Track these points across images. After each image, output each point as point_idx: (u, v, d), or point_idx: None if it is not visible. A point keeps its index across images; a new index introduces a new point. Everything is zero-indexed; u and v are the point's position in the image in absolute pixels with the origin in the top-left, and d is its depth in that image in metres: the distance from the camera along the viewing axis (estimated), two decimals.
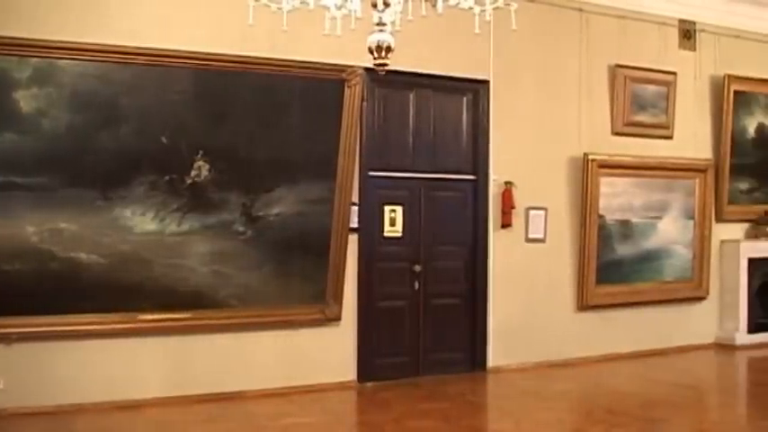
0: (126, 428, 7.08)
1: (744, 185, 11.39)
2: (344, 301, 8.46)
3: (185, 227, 7.64)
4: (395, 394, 8.29)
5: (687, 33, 10.82)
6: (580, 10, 9.88)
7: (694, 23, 10.86)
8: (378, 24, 4.68)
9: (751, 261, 11.20)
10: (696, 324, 10.97)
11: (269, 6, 4.89)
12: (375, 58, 4.71)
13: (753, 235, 11.41)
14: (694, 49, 10.87)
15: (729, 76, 10.95)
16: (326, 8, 4.94)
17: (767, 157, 11.55)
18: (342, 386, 8.45)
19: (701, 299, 10.99)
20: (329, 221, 8.30)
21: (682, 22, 10.78)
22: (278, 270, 8.11)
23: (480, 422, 7.74)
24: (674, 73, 10.55)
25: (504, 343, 9.38)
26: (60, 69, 7.01)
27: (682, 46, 10.80)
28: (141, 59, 7.27)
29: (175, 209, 7.59)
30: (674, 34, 10.72)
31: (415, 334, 8.99)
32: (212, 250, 7.79)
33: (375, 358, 8.69)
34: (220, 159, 7.71)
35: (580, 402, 8.47)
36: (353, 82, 8.22)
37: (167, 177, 7.52)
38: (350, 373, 8.56)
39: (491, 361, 9.35)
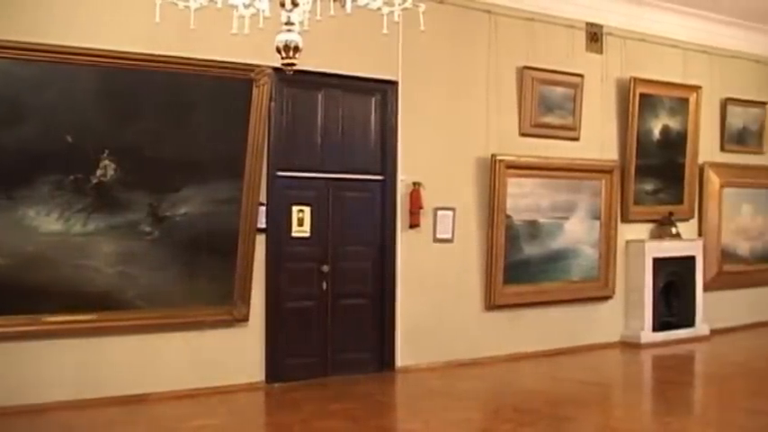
0: None
1: (649, 186, 12.11)
2: (252, 302, 8.72)
3: (91, 227, 7.79)
4: (303, 395, 8.58)
5: (594, 36, 11.47)
6: (489, 12, 10.38)
7: (601, 27, 11.53)
8: (286, 24, 4.82)
9: (656, 261, 11.90)
10: (602, 323, 11.64)
11: (176, 4, 5.06)
12: (283, 58, 4.86)
13: (657, 235, 12.16)
14: (601, 52, 11.55)
15: (635, 78, 11.67)
16: (234, 7, 5.08)
17: (672, 158, 12.33)
18: (250, 387, 8.71)
19: (606, 298, 11.65)
20: (237, 221, 8.56)
21: (589, 25, 11.42)
22: (185, 271, 8.32)
23: (389, 422, 8.11)
24: (581, 75, 11.16)
25: (413, 343, 9.78)
26: None
27: (589, 49, 11.45)
28: (45, 56, 7.37)
29: (81, 209, 7.73)
30: (581, 37, 11.36)
31: (324, 334, 9.33)
32: (119, 251, 7.94)
33: (283, 359, 9.00)
34: (127, 159, 7.88)
35: (488, 401, 8.92)
36: (262, 81, 8.50)
37: (72, 177, 7.66)
38: (258, 374, 8.84)
39: (399, 361, 9.74)
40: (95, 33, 7.72)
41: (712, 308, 12.65)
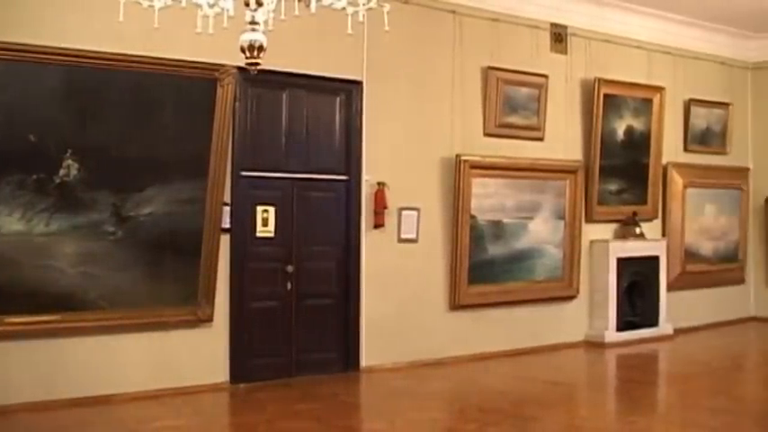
0: None
1: (613, 186, 12.36)
2: (216, 302, 8.80)
3: (54, 227, 7.82)
4: (268, 395, 8.68)
5: (559, 37, 11.70)
6: (454, 12, 10.55)
7: (566, 27, 11.77)
8: (250, 23, 4.87)
9: (620, 261, 12.13)
10: (566, 323, 11.86)
11: (140, 4, 5.08)
12: (247, 58, 4.90)
13: (621, 235, 12.41)
14: (566, 53, 11.78)
15: (599, 79, 11.91)
16: (199, 6, 5.11)
17: (636, 158, 12.60)
18: (214, 388, 8.78)
19: (571, 298, 11.88)
20: (201, 221, 8.63)
21: (553, 25, 11.65)
22: (149, 271, 8.38)
23: (354, 422, 8.19)
24: (546, 76, 11.37)
25: (378, 343, 9.90)
26: None
27: (553, 49, 11.67)
28: (8, 55, 7.38)
29: (43, 209, 7.75)
30: (545, 38, 11.58)
31: (288, 334, 9.43)
32: (82, 251, 7.97)
33: (248, 359, 9.08)
34: (90, 158, 7.92)
35: (453, 401, 9.06)
36: (226, 81, 8.58)
37: (35, 176, 7.69)
38: (222, 375, 8.92)
39: (364, 361, 9.85)
40: (59, 32, 7.75)
41: (676, 307, 12.91)
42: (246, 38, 4.85)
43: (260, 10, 4.89)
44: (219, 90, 8.59)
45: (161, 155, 8.35)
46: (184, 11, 5.16)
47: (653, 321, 12.60)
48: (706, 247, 13.80)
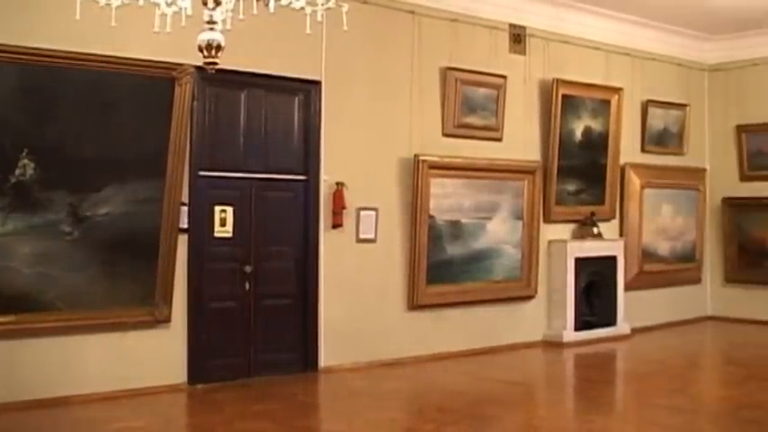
0: None
1: (571, 187, 12.59)
2: (174, 303, 8.84)
3: (9, 227, 7.82)
4: (226, 396, 8.75)
5: (517, 38, 11.90)
6: (413, 12, 10.69)
7: (524, 28, 11.98)
8: (208, 23, 4.93)
9: (577, 261, 12.36)
10: (525, 322, 12.04)
11: (97, 2, 5.12)
12: (205, 57, 4.96)
13: (579, 235, 12.63)
14: (524, 54, 11.99)
15: (558, 80, 12.14)
16: (156, 5, 5.15)
17: (594, 159, 12.85)
18: (172, 389, 8.83)
19: (529, 298, 12.06)
20: (158, 221, 8.68)
21: (512, 26, 11.86)
22: (106, 271, 8.40)
23: (312, 423, 8.29)
24: (504, 76, 11.55)
25: (336, 343, 10.00)
26: None
27: (512, 50, 11.87)
28: None
29: None
30: (504, 38, 11.77)
31: (247, 335, 9.50)
32: (38, 251, 7.97)
33: (206, 360, 9.14)
34: (47, 158, 7.93)
35: (412, 401, 9.16)
36: (184, 80, 8.63)
37: None
38: (180, 375, 8.97)
39: (323, 361, 9.95)
40: (15, 30, 7.73)
41: (633, 307, 13.17)
42: (204, 37, 4.89)
43: (218, 9, 4.92)
44: (177, 89, 8.63)
45: (118, 154, 8.37)
46: (142, 9, 5.18)
47: (610, 321, 12.83)
48: (663, 247, 14.09)
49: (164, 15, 5.15)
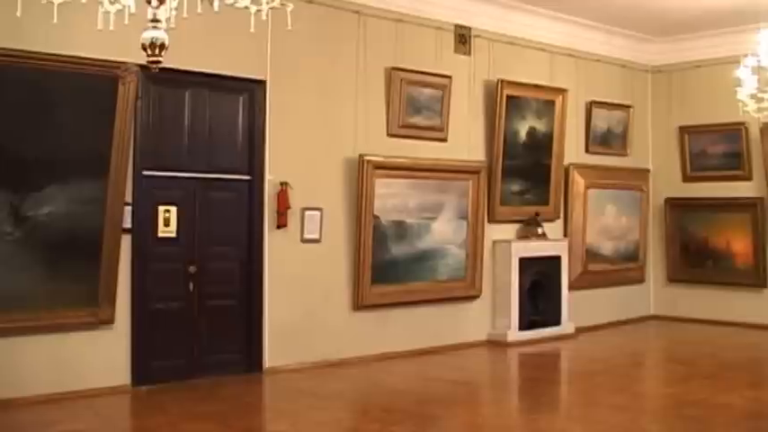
0: None
1: (515, 187, 12.80)
2: (118, 304, 8.85)
3: None
4: (170, 397, 8.79)
5: (463, 38, 12.10)
6: (358, 12, 10.83)
7: (470, 29, 12.18)
8: (152, 21, 4.82)
9: (522, 260, 12.56)
10: (470, 322, 12.22)
11: None
12: (149, 56, 4.86)
13: (524, 235, 12.85)
14: (469, 54, 12.19)
15: (502, 80, 12.33)
16: (100, 2, 5.01)
17: (538, 159, 13.08)
18: (115, 390, 8.83)
19: (473, 298, 12.24)
20: (101, 221, 8.68)
21: (458, 27, 12.04)
22: (48, 272, 8.37)
23: (257, 423, 8.37)
24: (450, 77, 11.73)
25: (281, 343, 10.09)
26: None
27: (457, 50, 12.07)
28: None
29: None
30: (449, 39, 11.96)
31: (191, 336, 9.55)
32: None
33: (150, 361, 9.16)
34: None
35: (357, 401, 9.31)
36: (128, 79, 8.63)
37: None
38: (124, 377, 8.99)
39: (268, 362, 10.03)
40: None
41: (577, 306, 13.43)
42: (148, 35, 4.83)
43: (162, 7, 4.87)
44: (121, 88, 8.63)
45: (61, 153, 8.36)
46: (85, 7, 5.12)
47: (555, 320, 13.06)
48: (607, 247, 14.39)
49: (107, 13, 5.03)
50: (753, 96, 9.75)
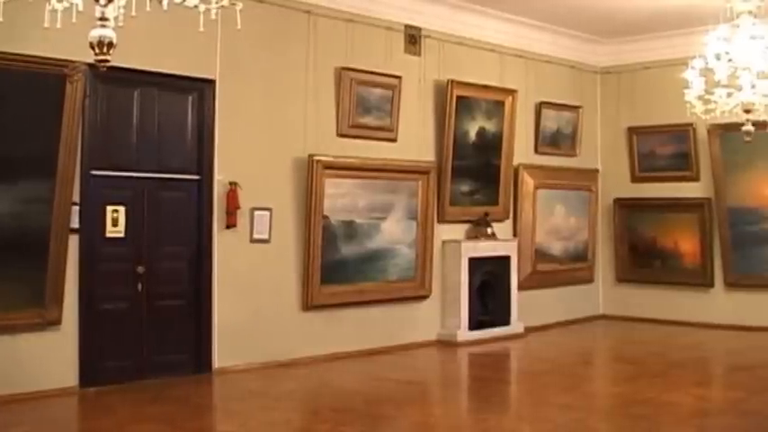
0: None
1: (465, 187, 12.99)
2: (65, 304, 8.84)
3: None
4: (119, 398, 8.80)
5: (413, 39, 12.28)
6: (309, 12, 10.95)
7: (420, 29, 12.36)
8: (100, 19, 4.81)
9: (471, 260, 12.75)
10: (419, 322, 12.39)
11: None
12: (96, 54, 4.85)
13: (473, 235, 13.04)
14: (419, 55, 12.37)
15: (452, 81, 12.51)
16: (47, 0, 5.02)
17: (488, 159, 13.29)
18: (63, 392, 8.79)
19: (423, 298, 12.41)
20: (48, 221, 8.68)
21: (408, 27, 12.22)
22: None
23: (206, 424, 8.41)
24: (399, 77, 11.89)
25: (231, 344, 10.16)
26: None
27: (407, 51, 12.24)
28: None
29: None
30: (399, 39, 12.13)
31: (140, 336, 9.57)
32: None
33: (98, 362, 9.16)
34: None
35: (307, 402, 9.37)
36: (75, 78, 8.65)
37: None
38: (71, 379, 8.97)
39: (217, 362, 10.10)
40: None
41: (527, 306, 13.65)
42: (96, 34, 4.83)
43: (110, 6, 4.89)
44: (69, 87, 8.65)
45: (7, 153, 8.34)
46: (32, 5, 5.14)
47: (504, 320, 13.26)
48: (556, 247, 14.65)
49: (54, 11, 5.05)
50: (700, 98, 10.00)
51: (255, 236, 10.49)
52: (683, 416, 8.43)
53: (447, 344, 12.46)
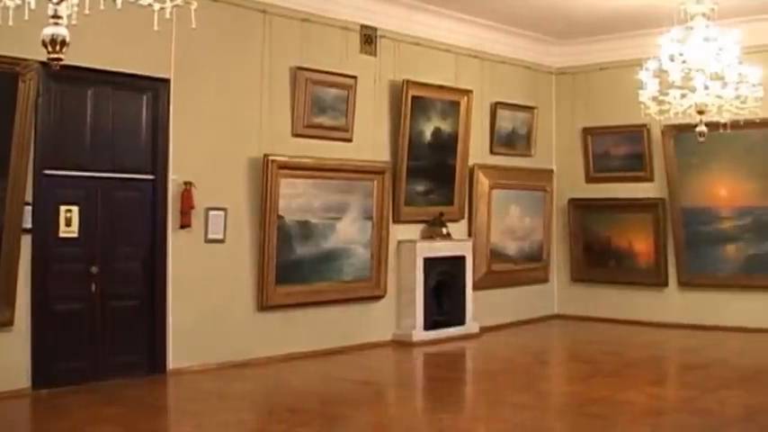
0: None
1: (420, 187, 13.16)
2: (17, 305, 8.83)
3: None
4: (72, 400, 8.81)
5: (368, 39, 12.42)
6: (264, 12, 11.04)
7: (375, 29, 12.50)
8: (53, 17, 4.80)
9: (427, 260, 12.91)
10: (375, 322, 12.54)
11: None
12: (49, 53, 4.82)
13: (428, 235, 13.20)
14: (375, 55, 12.52)
15: (408, 81, 12.68)
16: None
17: (443, 160, 13.46)
18: (15, 394, 8.78)
19: (378, 298, 12.56)
20: (0, 222, 8.67)
21: (364, 27, 12.36)
22: None
23: (160, 426, 8.44)
24: (355, 77, 12.02)
25: (185, 344, 10.22)
26: None
27: (363, 51, 12.38)
28: None
29: None
30: (355, 39, 12.27)
31: (94, 337, 9.60)
32: None
33: (51, 363, 9.15)
34: None
35: (262, 402, 9.47)
36: (28, 76, 8.66)
37: None
38: (24, 380, 8.95)
39: (171, 363, 10.15)
40: None
41: (482, 306, 13.86)
42: (48, 32, 4.81)
43: (63, 3, 4.88)
44: (21, 85, 8.65)
45: None
46: None
47: (460, 320, 13.44)
48: (511, 248, 14.87)
49: (6, 9, 5.07)
50: (655, 99, 10.29)
51: (210, 236, 10.55)
52: (637, 414, 8.57)
53: (402, 344, 12.60)
